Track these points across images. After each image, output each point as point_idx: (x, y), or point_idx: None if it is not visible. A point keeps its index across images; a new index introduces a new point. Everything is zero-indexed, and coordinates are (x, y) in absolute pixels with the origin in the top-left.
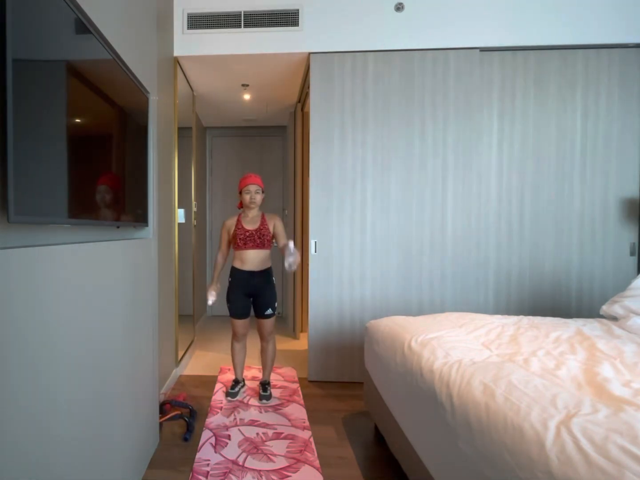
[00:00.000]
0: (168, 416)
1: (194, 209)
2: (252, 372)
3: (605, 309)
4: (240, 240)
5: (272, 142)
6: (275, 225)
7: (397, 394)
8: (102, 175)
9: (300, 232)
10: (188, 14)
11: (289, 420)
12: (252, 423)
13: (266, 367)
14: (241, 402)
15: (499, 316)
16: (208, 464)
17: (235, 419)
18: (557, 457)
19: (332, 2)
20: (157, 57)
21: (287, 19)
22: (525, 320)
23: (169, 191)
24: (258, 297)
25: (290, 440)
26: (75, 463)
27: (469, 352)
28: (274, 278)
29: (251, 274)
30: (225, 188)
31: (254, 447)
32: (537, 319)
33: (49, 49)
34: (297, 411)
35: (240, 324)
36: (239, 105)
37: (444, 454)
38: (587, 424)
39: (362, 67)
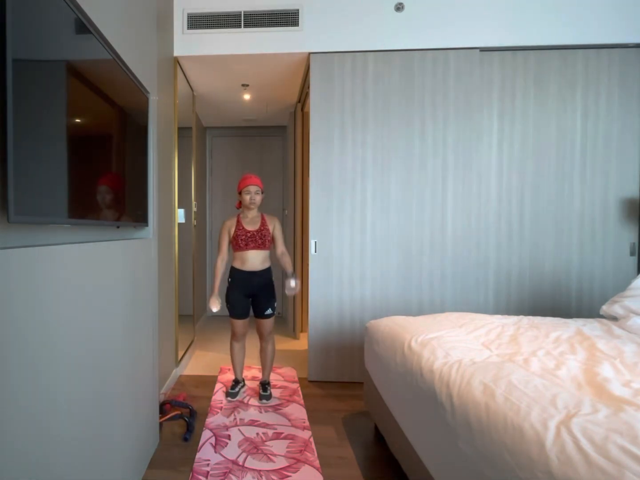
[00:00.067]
0: (168, 416)
1: (194, 209)
2: (252, 372)
3: (605, 309)
4: (241, 241)
5: (272, 142)
6: (275, 227)
7: (397, 394)
8: (102, 175)
9: (300, 232)
10: (188, 14)
11: (289, 420)
12: (252, 423)
13: (266, 366)
14: (241, 402)
15: (499, 316)
16: (208, 464)
17: (235, 419)
18: (557, 457)
19: (332, 2)
20: (157, 57)
21: (287, 19)
22: (525, 320)
23: (169, 191)
24: (258, 297)
25: (290, 440)
26: (75, 463)
27: (469, 352)
28: (273, 278)
29: (251, 274)
30: (225, 188)
31: (254, 447)
32: (537, 319)
33: (49, 49)
34: (297, 411)
35: (239, 324)
36: (239, 105)
37: (444, 454)
38: (587, 424)
39: (362, 67)
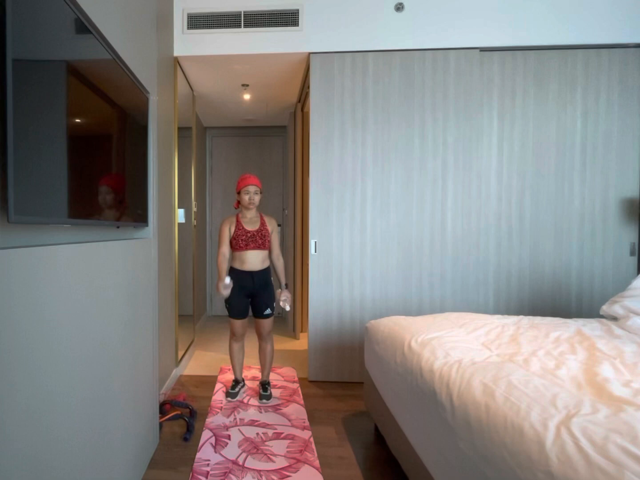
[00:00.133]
0: (168, 416)
1: (194, 209)
2: (252, 372)
3: (605, 309)
4: (242, 241)
5: (272, 142)
6: (273, 229)
7: (397, 394)
8: (102, 175)
9: (300, 232)
10: (188, 14)
11: (289, 420)
12: (252, 423)
13: (265, 366)
14: (241, 402)
15: (499, 316)
16: (208, 464)
17: (235, 419)
18: (557, 457)
19: (332, 2)
20: (157, 57)
21: (287, 19)
22: (525, 320)
23: (169, 191)
24: (257, 297)
25: (290, 440)
26: (75, 463)
27: (469, 352)
28: (272, 278)
29: (251, 274)
30: (225, 188)
31: (254, 447)
32: (537, 319)
33: (49, 49)
34: (297, 411)
35: (239, 324)
36: (239, 105)
37: (444, 454)
38: (587, 424)
39: (362, 67)
